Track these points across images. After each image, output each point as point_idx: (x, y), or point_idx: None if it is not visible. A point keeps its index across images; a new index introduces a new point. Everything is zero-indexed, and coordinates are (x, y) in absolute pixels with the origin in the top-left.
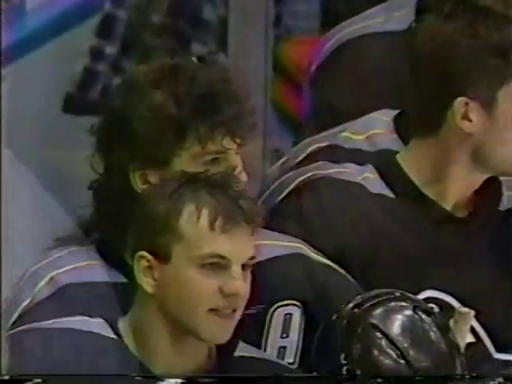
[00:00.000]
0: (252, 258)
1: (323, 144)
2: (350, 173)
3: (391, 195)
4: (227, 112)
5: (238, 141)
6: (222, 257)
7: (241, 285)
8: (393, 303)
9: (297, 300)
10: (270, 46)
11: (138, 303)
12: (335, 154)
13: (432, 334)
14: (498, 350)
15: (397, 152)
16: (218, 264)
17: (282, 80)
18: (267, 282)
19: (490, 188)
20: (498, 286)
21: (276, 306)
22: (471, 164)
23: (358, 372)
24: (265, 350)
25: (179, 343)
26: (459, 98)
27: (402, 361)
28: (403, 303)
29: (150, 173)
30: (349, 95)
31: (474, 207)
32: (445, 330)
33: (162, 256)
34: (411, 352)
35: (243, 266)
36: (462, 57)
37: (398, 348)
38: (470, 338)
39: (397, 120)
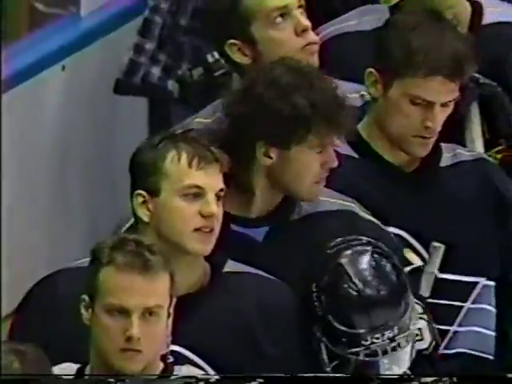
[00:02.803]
0: (221, 190)
1: None
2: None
3: (356, 156)
4: (341, 118)
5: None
6: (199, 187)
7: (215, 208)
8: (359, 247)
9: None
10: None
11: (139, 231)
12: None
13: (386, 270)
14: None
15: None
16: (196, 193)
17: None
18: (320, 230)
19: (433, 149)
20: (439, 224)
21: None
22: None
23: (323, 298)
24: None
25: (176, 262)
26: None
27: (361, 292)
28: (366, 247)
29: (272, 150)
30: None
31: (420, 164)
32: (398, 269)
33: (153, 192)
34: (368, 286)
35: (217, 197)
36: None
37: (358, 282)
38: (417, 262)
39: None
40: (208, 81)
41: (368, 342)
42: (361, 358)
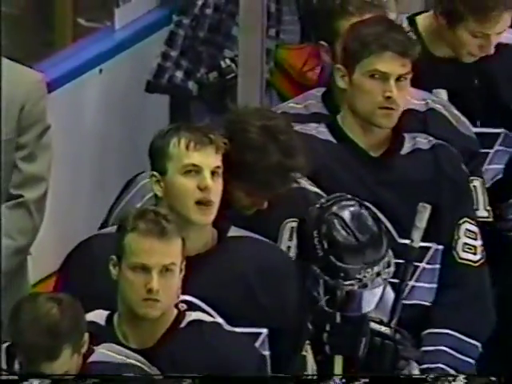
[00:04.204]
0: (218, 167)
1: (279, 111)
2: (309, 129)
3: (334, 141)
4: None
5: None
6: (195, 165)
7: (210, 182)
8: (345, 201)
9: (297, 217)
10: (271, 51)
11: (157, 203)
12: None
13: (369, 218)
14: (400, 236)
15: (327, 115)
16: (194, 171)
17: (279, 74)
18: (280, 204)
19: (395, 137)
20: (398, 200)
21: (286, 221)
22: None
23: (324, 242)
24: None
25: (186, 229)
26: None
27: (352, 237)
28: (352, 201)
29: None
30: None
31: (385, 150)
32: (377, 218)
33: (162, 172)
34: (357, 231)
35: (213, 173)
36: None
37: (349, 228)
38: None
39: (324, 95)
40: (221, 82)
41: (361, 275)
42: (355, 288)
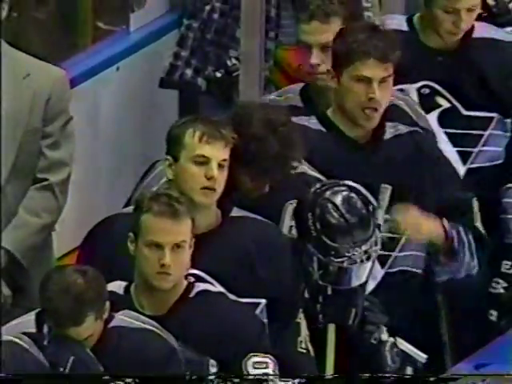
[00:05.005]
0: (224, 160)
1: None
2: (302, 120)
3: (324, 130)
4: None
5: None
6: (205, 156)
7: (216, 172)
8: (337, 187)
9: (299, 200)
10: (271, 51)
11: (169, 185)
12: None
13: (359, 202)
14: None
15: (302, 107)
16: (203, 161)
17: (278, 72)
18: (282, 188)
19: (379, 127)
20: (383, 180)
21: (288, 203)
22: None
23: (317, 224)
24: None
25: (194, 210)
26: None
27: (342, 219)
28: (343, 187)
29: None
30: None
31: (370, 138)
32: (367, 202)
33: (176, 158)
34: (347, 214)
35: (219, 165)
36: None
37: (340, 211)
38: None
39: (302, 89)
40: (227, 79)
41: (350, 254)
42: (344, 265)
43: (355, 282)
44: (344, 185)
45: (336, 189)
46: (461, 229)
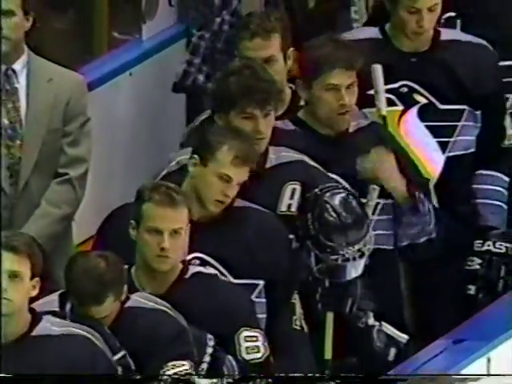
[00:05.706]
0: (244, 181)
1: None
2: (278, 124)
3: (299, 129)
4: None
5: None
6: (229, 177)
7: (234, 192)
8: (337, 189)
9: (298, 181)
10: None
11: (182, 175)
12: None
13: (355, 204)
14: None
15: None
16: (226, 179)
17: None
18: (283, 171)
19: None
20: (354, 165)
21: (287, 184)
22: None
23: (315, 223)
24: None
25: (202, 210)
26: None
27: (339, 220)
28: (341, 190)
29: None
30: None
31: (338, 132)
32: (362, 204)
33: (203, 162)
34: (343, 216)
35: (239, 185)
36: None
37: (337, 213)
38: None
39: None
40: None
41: (344, 252)
42: (339, 262)
43: (350, 276)
44: (343, 188)
45: (335, 191)
46: (422, 195)
